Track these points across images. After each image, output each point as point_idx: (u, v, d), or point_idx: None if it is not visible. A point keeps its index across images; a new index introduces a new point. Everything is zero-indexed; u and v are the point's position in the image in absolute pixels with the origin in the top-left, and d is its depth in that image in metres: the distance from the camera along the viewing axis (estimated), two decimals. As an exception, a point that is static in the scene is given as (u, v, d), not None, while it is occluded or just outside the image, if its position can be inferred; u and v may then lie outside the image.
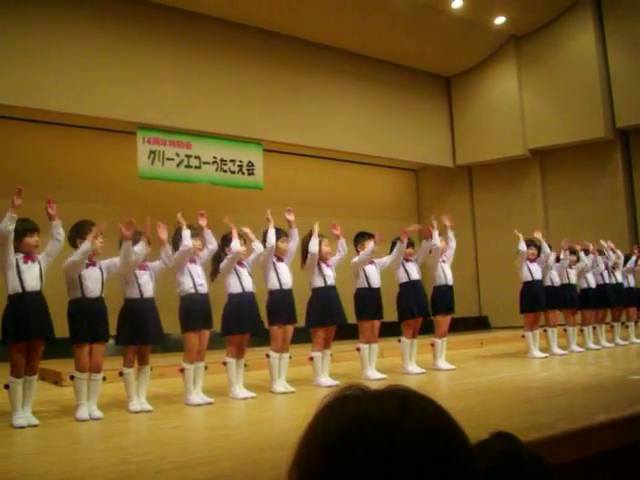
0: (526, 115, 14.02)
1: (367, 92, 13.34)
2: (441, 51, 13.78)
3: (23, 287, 4.94)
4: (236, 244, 6.05)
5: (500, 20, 13.50)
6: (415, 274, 7.61)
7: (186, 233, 5.75)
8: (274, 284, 6.41)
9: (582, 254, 9.64)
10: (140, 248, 5.46)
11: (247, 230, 6.32)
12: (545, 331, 9.10)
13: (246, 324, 6.09)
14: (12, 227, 4.84)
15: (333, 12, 11.61)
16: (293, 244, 6.58)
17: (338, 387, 0.86)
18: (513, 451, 1.00)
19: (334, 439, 0.74)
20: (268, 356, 6.32)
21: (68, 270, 5.20)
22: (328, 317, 6.68)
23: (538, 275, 8.90)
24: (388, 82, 13.72)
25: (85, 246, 5.14)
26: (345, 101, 12.91)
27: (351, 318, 7.17)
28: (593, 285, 9.84)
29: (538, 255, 8.95)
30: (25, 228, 4.99)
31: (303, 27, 11.99)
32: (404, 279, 7.56)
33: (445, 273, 7.95)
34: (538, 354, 8.69)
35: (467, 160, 14.79)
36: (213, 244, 6.03)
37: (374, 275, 7.23)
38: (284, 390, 6.18)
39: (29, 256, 5.03)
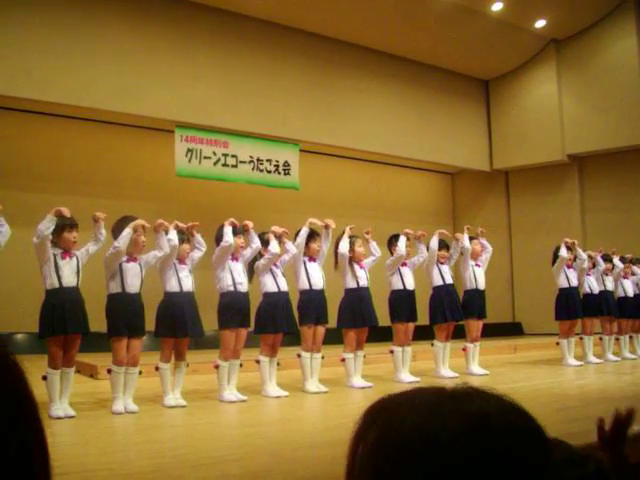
0: (565, 120, 13.84)
1: (405, 94, 13.31)
2: (480, 54, 13.68)
3: (60, 282, 5.03)
4: (275, 245, 6.10)
5: (541, 23, 13.34)
6: (449, 278, 7.57)
7: (227, 229, 5.81)
8: (304, 284, 6.44)
9: (616, 260, 9.51)
10: (172, 235, 5.54)
11: (279, 230, 6.32)
12: (581, 339, 8.97)
13: (280, 324, 6.12)
14: (51, 230, 4.94)
15: (372, 14, 11.60)
16: (325, 246, 6.59)
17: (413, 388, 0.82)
18: (570, 451, 0.99)
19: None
20: (299, 356, 6.35)
21: (110, 260, 5.27)
22: (359, 319, 6.67)
23: (575, 282, 8.80)
24: (426, 84, 13.66)
25: (126, 232, 5.22)
26: (383, 103, 12.88)
27: (385, 320, 7.17)
28: (631, 294, 9.69)
29: (574, 260, 8.84)
30: (64, 224, 5.08)
31: (342, 29, 12.00)
32: (439, 282, 7.52)
33: (477, 277, 7.90)
34: (573, 362, 8.58)
35: (504, 164, 14.65)
36: (256, 243, 6.07)
37: (409, 277, 7.21)
38: (317, 390, 6.20)
39: (67, 252, 5.12)
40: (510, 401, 0.78)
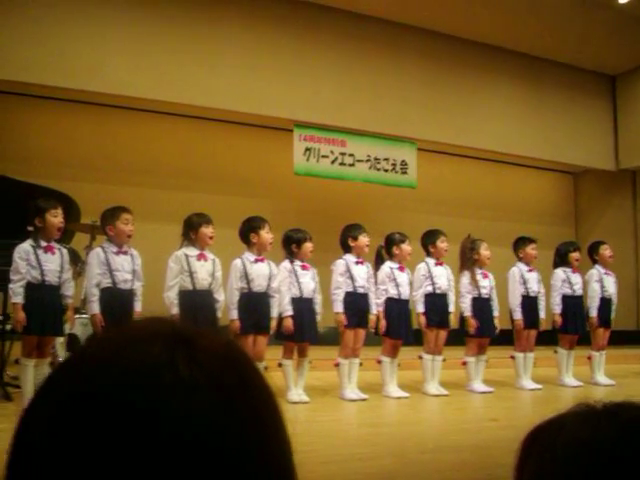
0: (700, 117, 12.99)
1: (525, 91, 12.92)
2: (606, 48, 13.06)
3: (194, 285, 5.22)
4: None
5: (674, 15, 12.59)
6: (579, 289, 7.29)
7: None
8: (428, 288, 6.38)
9: None
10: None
11: None
12: None
13: (396, 331, 6.13)
14: None
15: (491, 10, 11.32)
16: None
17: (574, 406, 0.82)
18: None
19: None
20: (421, 357, 6.30)
21: None
22: (479, 329, 6.55)
23: None
24: (547, 81, 13.20)
25: None
26: (502, 100, 12.57)
27: (506, 323, 7.00)
28: None
29: None
30: (200, 220, 5.29)
31: (460, 25, 11.78)
32: (567, 292, 7.25)
33: (605, 285, 7.54)
34: None
35: (632, 164, 13.90)
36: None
37: (533, 282, 6.99)
38: (437, 392, 6.14)
39: (202, 254, 5.30)
40: None
